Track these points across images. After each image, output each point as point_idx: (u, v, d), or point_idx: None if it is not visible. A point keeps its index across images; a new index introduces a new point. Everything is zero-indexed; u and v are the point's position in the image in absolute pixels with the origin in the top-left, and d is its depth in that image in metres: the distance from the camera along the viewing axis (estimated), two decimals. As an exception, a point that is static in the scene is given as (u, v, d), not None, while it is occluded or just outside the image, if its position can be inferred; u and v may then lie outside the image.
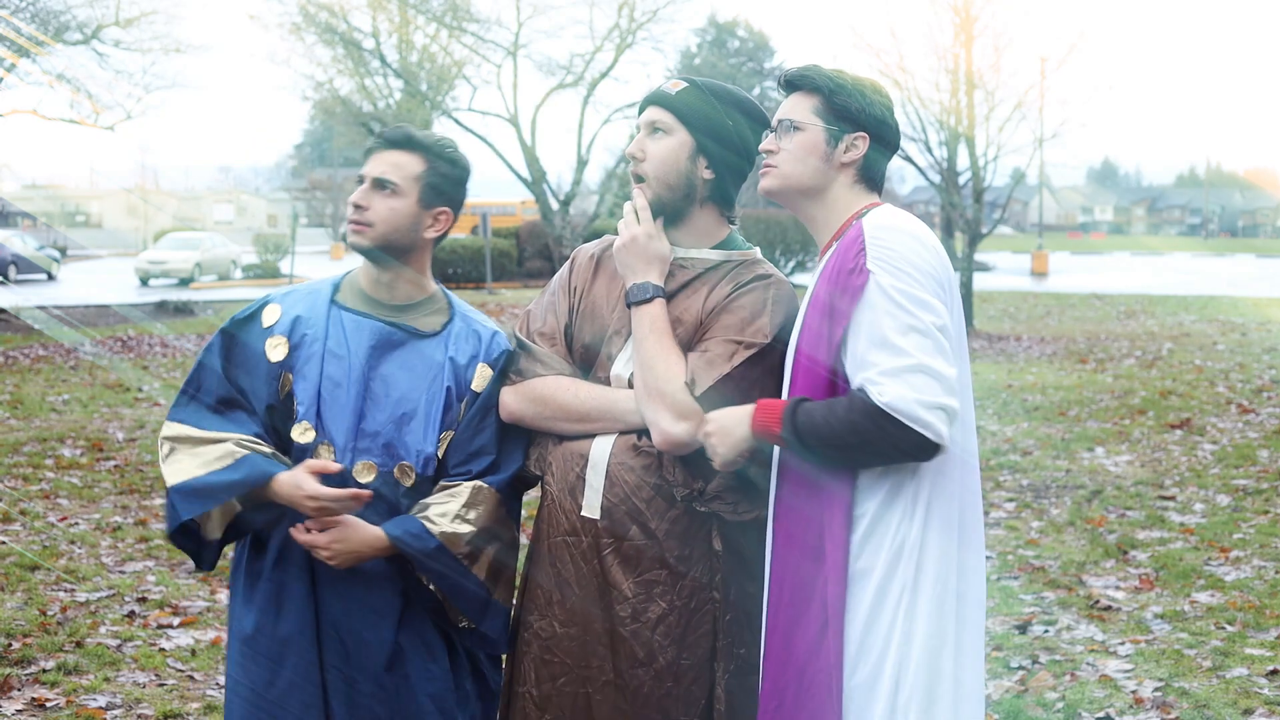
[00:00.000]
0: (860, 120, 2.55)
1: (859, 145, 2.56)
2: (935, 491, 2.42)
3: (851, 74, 2.60)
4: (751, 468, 2.57)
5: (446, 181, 2.81)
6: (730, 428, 2.49)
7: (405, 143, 2.79)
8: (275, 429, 2.78)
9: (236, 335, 2.83)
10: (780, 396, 2.60)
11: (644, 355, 2.63)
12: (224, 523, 2.78)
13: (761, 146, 2.64)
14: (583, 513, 2.67)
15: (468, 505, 2.73)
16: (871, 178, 2.60)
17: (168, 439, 2.78)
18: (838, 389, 2.42)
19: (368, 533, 2.68)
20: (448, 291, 2.94)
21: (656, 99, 2.75)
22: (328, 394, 2.75)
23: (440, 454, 2.78)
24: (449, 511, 2.72)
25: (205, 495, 2.69)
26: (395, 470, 2.75)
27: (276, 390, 2.78)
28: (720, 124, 2.71)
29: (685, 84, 2.75)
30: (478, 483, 2.75)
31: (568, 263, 2.88)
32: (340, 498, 2.63)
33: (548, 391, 2.71)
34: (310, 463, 2.68)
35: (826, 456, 2.39)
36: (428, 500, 2.75)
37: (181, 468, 2.72)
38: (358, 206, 2.76)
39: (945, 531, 2.44)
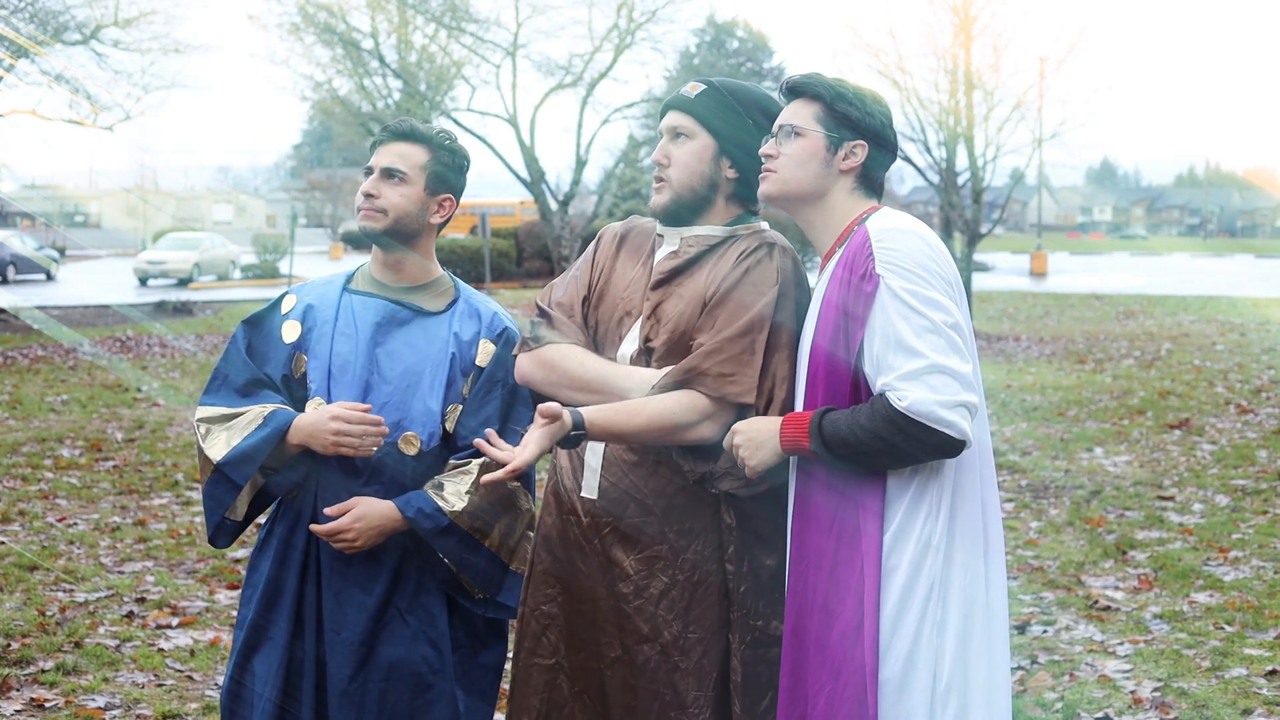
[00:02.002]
0: (861, 128, 2.58)
1: (858, 153, 2.59)
2: (958, 486, 2.47)
3: (853, 83, 2.64)
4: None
5: (449, 170, 2.99)
6: (760, 441, 2.51)
7: (410, 135, 2.97)
8: (295, 408, 2.93)
9: (257, 324, 3.03)
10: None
11: (642, 431, 2.59)
12: (250, 496, 2.96)
13: (761, 151, 2.64)
14: (582, 493, 2.72)
15: (478, 483, 2.85)
16: (871, 183, 2.63)
17: (202, 420, 2.94)
18: (860, 394, 2.45)
19: (383, 506, 2.84)
20: (454, 276, 3.09)
21: (676, 103, 2.76)
22: (337, 371, 2.92)
23: (449, 428, 2.92)
24: (460, 489, 2.86)
25: (248, 458, 2.85)
26: (400, 441, 2.89)
27: (291, 370, 2.95)
28: (741, 125, 2.72)
29: (704, 86, 2.75)
30: (486, 459, 2.86)
31: (595, 239, 2.92)
32: (359, 409, 2.79)
33: (557, 357, 2.74)
34: (341, 403, 2.83)
35: (856, 463, 2.43)
36: (440, 478, 2.88)
37: (220, 442, 2.88)
38: (369, 195, 2.93)
39: (969, 524, 2.48)
